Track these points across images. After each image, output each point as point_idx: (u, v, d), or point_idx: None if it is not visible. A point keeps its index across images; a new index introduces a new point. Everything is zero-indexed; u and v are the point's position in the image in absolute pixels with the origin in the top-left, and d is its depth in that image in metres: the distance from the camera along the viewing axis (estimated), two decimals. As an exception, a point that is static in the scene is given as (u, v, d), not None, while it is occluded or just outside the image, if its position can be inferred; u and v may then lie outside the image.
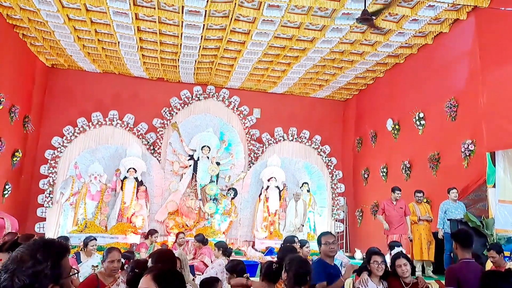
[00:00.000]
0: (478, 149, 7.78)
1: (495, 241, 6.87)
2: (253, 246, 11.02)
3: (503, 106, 7.16)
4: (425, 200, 8.60)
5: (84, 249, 6.56)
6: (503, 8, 6.97)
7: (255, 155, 12.66)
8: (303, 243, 6.55)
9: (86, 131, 11.52)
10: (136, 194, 10.89)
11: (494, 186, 7.33)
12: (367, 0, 7.45)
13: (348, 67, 10.96)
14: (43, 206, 10.82)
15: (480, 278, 3.49)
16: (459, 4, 7.85)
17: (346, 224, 12.92)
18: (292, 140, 12.94)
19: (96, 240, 6.70)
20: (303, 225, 11.20)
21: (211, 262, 7.96)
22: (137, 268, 3.12)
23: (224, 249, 6.51)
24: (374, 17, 7.35)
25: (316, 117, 13.56)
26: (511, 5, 6.86)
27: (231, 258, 6.22)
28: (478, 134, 7.75)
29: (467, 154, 8.02)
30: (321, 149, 12.99)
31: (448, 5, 7.84)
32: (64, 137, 11.30)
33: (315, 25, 8.76)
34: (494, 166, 7.38)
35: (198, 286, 4.33)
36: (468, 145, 7.97)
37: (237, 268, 4.39)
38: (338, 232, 12.58)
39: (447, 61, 8.94)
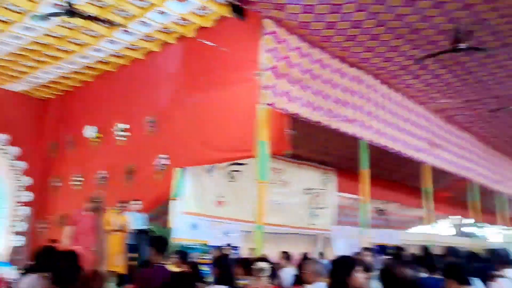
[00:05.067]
0: (172, 164, 8.35)
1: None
2: None
3: (196, 128, 7.97)
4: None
5: None
6: (204, 41, 7.79)
7: None
8: None
9: None
10: None
11: (178, 199, 8.04)
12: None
13: (51, 63, 9.94)
14: None
15: None
16: (168, 29, 8.34)
17: (28, 237, 11.45)
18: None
19: None
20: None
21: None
22: None
23: None
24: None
25: (6, 113, 11.68)
26: (212, 40, 7.70)
27: None
28: (173, 151, 8.35)
29: (162, 169, 8.52)
30: (7, 150, 11.26)
31: (160, 26, 8.21)
32: None
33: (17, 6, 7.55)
34: (183, 181, 8.13)
35: None
36: (163, 160, 8.49)
37: None
38: (17, 247, 11.02)
39: (155, 78, 9.31)
